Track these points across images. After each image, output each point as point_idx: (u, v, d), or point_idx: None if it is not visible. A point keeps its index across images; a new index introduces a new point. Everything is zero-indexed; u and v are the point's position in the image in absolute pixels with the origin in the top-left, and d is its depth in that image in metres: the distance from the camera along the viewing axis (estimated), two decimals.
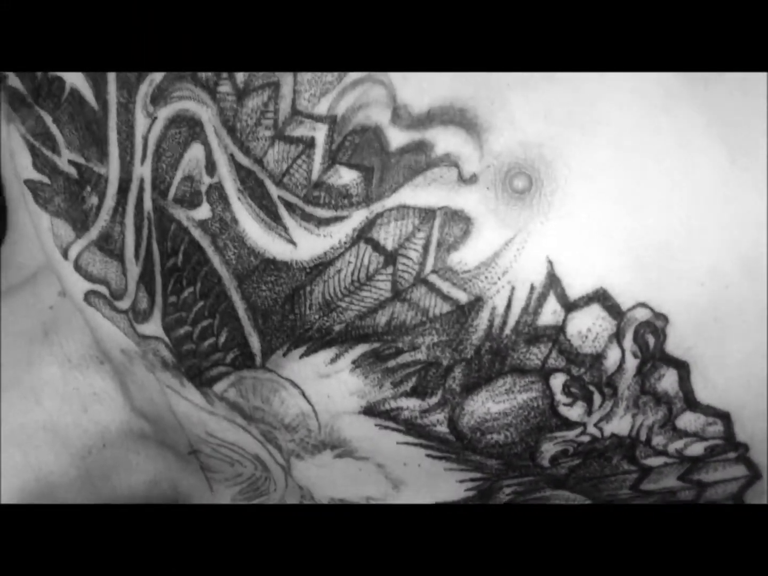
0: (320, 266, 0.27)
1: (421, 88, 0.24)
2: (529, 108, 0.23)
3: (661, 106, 0.23)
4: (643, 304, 0.24)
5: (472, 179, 0.24)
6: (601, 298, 0.24)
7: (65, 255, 0.32)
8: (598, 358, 0.24)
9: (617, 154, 0.24)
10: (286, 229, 0.27)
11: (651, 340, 0.24)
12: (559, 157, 0.23)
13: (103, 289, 0.31)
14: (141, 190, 0.29)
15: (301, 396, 0.29)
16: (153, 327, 0.31)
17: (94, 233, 0.31)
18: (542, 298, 0.24)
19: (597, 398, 0.25)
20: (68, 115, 0.30)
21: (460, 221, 0.24)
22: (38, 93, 0.30)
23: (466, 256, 0.25)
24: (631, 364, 0.25)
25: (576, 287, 0.24)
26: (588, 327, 0.24)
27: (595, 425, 0.26)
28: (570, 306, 0.24)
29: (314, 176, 0.26)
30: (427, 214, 0.25)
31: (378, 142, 0.25)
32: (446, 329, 0.25)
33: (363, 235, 0.26)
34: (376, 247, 0.26)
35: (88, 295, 0.32)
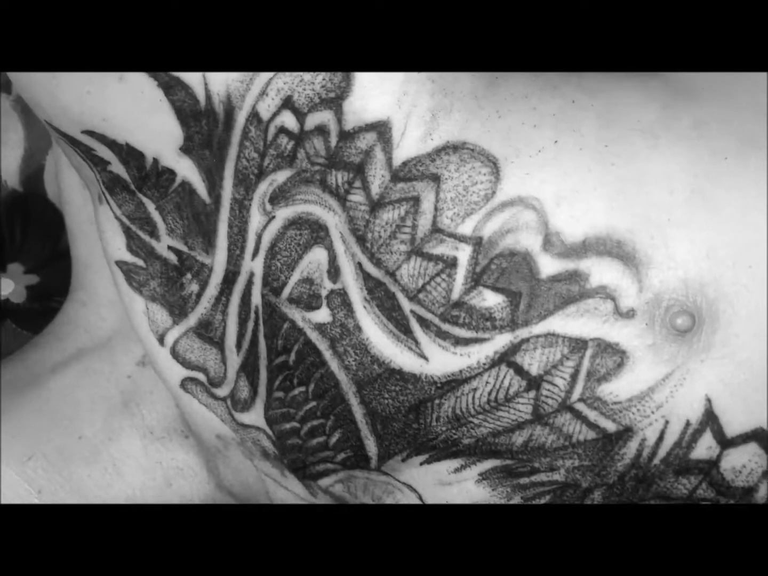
0: (453, 383, 0.26)
1: (575, 216, 0.24)
2: (692, 246, 0.23)
3: None
4: None
5: (630, 314, 0.24)
6: (759, 437, 0.24)
7: (161, 341, 0.31)
8: (749, 491, 0.25)
9: None
10: (417, 342, 0.26)
11: None
12: (723, 297, 0.23)
13: (200, 375, 0.31)
14: (250, 283, 0.29)
15: (419, 500, 0.29)
16: (254, 417, 0.30)
17: (192, 320, 0.30)
18: (697, 434, 0.24)
19: None
20: (174, 204, 0.29)
21: (614, 354, 0.24)
22: (144, 182, 0.29)
23: (618, 388, 0.24)
24: None
25: (734, 425, 0.24)
26: (743, 463, 0.24)
27: None
28: (726, 443, 0.24)
29: (454, 296, 0.26)
30: (578, 344, 0.24)
31: (527, 268, 0.24)
32: (589, 455, 0.25)
33: (505, 359, 0.25)
34: (519, 371, 0.25)
35: (185, 382, 0.31)
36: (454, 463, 0.28)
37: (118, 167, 0.29)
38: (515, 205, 0.24)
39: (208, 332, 0.30)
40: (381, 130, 0.25)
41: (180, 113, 0.27)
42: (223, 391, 0.31)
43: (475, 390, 0.26)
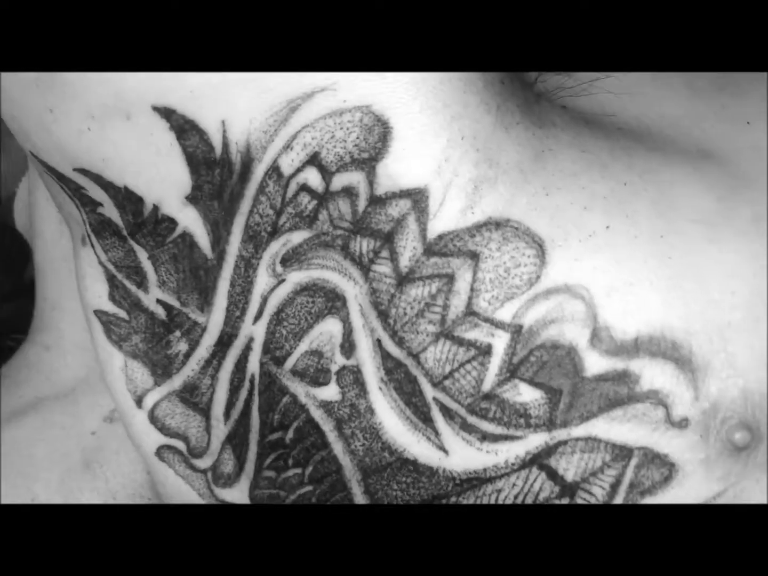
0: (475, 481, 0.23)
1: (628, 310, 0.22)
2: (752, 353, 0.21)
3: None
4: None
5: (683, 423, 0.22)
6: None
7: (139, 402, 0.28)
8: None
9: None
10: (437, 433, 0.24)
11: None
12: None
13: (180, 444, 0.28)
14: (247, 348, 0.26)
15: None
16: (237, 495, 0.27)
17: (177, 382, 0.27)
18: None
19: None
20: (170, 255, 0.26)
21: (662, 465, 0.22)
22: (138, 229, 0.26)
23: (664, 502, 0.22)
24: None
25: None
26: None
27: None
28: None
29: (486, 387, 0.23)
30: (622, 452, 0.22)
31: (571, 364, 0.22)
32: None
33: (538, 461, 0.23)
34: (553, 475, 0.23)
35: (162, 450, 0.28)
36: None
37: (110, 210, 0.26)
38: (561, 293, 0.22)
39: (193, 397, 0.27)
40: (417, 198, 0.23)
41: (191, 160, 0.24)
42: (204, 463, 0.28)
43: (499, 491, 0.24)
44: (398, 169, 0.23)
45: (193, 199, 0.25)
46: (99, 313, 0.29)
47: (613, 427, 0.22)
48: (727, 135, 0.24)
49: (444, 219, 0.23)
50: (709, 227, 0.22)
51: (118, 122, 0.24)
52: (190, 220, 0.25)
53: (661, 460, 0.22)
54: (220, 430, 0.28)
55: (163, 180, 0.25)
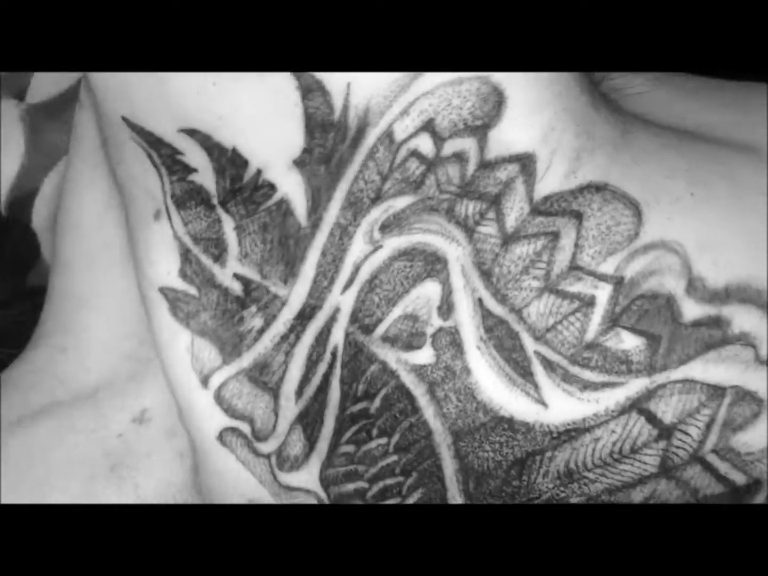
0: (573, 432, 0.25)
1: (717, 263, 0.25)
2: None
3: None
4: None
5: None
6: None
7: (205, 382, 0.28)
8: None
9: None
10: (536, 387, 0.25)
11: None
12: None
13: (245, 426, 0.28)
14: (332, 320, 0.27)
15: None
16: (304, 477, 0.27)
17: (247, 360, 0.28)
18: None
19: None
20: (260, 225, 0.27)
21: (752, 402, 0.24)
22: (233, 196, 0.27)
23: (753, 439, 0.24)
24: None
25: None
26: None
27: None
28: None
29: (588, 337, 0.25)
30: (716, 392, 0.25)
31: (670, 311, 0.25)
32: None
33: (637, 405, 0.25)
34: (652, 419, 0.25)
35: (224, 433, 0.28)
36: None
37: (205, 176, 0.27)
38: (658, 248, 0.25)
39: (262, 376, 0.28)
40: (525, 162, 0.25)
41: (309, 121, 0.25)
42: (268, 447, 0.28)
43: (597, 440, 0.25)
44: (509, 136, 0.25)
45: (300, 162, 0.26)
46: (166, 290, 0.29)
47: (708, 369, 0.25)
48: (763, 132, 0.29)
49: (549, 182, 0.25)
50: None
51: (250, 78, 0.25)
52: (292, 185, 0.26)
53: (751, 396, 0.25)
54: (290, 410, 0.28)
55: (276, 142, 0.26)
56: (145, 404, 0.33)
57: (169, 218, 0.28)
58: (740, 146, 0.28)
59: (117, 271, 0.33)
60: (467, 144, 0.26)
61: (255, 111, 0.26)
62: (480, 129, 0.26)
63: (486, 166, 0.26)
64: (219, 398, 0.28)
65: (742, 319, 0.25)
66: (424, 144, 0.26)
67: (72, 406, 0.33)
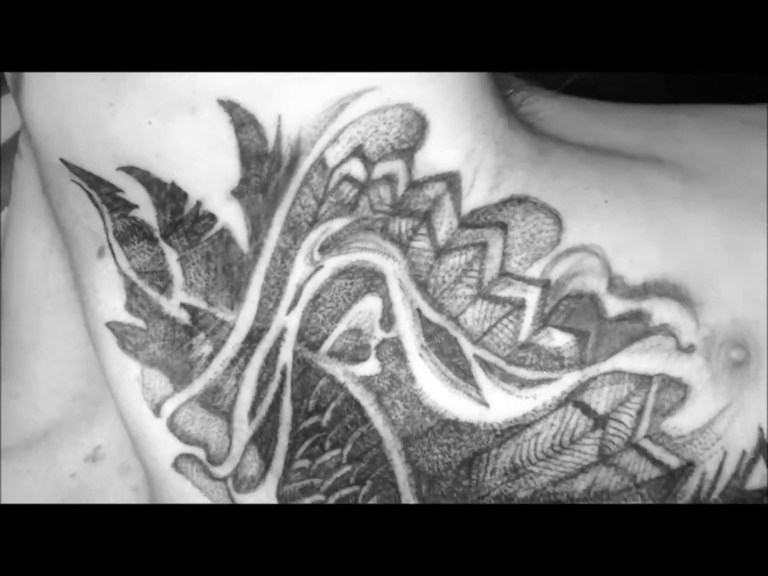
0: (515, 429, 0.26)
1: (634, 262, 0.27)
2: (735, 290, 0.26)
3: None
4: None
5: (690, 349, 0.26)
6: None
7: (157, 411, 0.28)
8: None
9: None
10: (478, 388, 0.27)
11: None
12: (765, 334, 0.26)
13: (199, 452, 0.29)
14: (279, 340, 0.28)
15: None
16: (262, 497, 0.28)
17: (198, 386, 0.29)
18: (752, 464, 0.26)
19: None
20: (203, 254, 0.28)
21: (677, 388, 0.26)
22: (174, 228, 0.28)
23: (682, 422, 0.26)
24: None
25: None
26: None
27: None
28: None
29: (522, 337, 0.27)
30: (644, 380, 0.26)
31: (594, 309, 0.27)
32: (653, 495, 0.26)
33: (572, 398, 0.26)
34: (586, 410, 0.26)
35: (179, 460, 0.29)
36: None
37: (146, 211, 0.28)
38: (579, 251, 0.27)
39: (214, 401, 0.28)
40: (451, 180, 0.27)
41: (244, 153, 0.27)
42: (224, 470, 0.29)
43: (538, 435, 0.27)
44: (434, 157, 0.27)
45: (238, 192, 0.28)
46: (113, 325, 0.29)
47: (634, 359, 0.26)
48: (670, 149, 0.31)
49: (475, 197, 0.27)
50: (681, 201, 0.28)
51: (182, 116, 0.26)
52: (232, 215, 0.28)
53: (676, 383, 0.27)
54: (243, 432, 0.28)
55: (213, 174, 0.27)
56: (97, 442, 0.33)
57: (113, 254, 0.29)
58: (648, 159, 0.30)
59: (63, 314, 0.34)
60: (396, 166, 0.28)
61: (191, 146, 0.27)
62: (406, 152, 0.27)
63: (415, 185, 0.28)
64: (172, 426, 0.29)
65: (662, 311, 0.27)
66: (356, 168, 0.28)
67: (25, 450, 0.33)
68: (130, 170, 0.28)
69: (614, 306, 0.27)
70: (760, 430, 0.27)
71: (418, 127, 0.27)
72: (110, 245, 0.29)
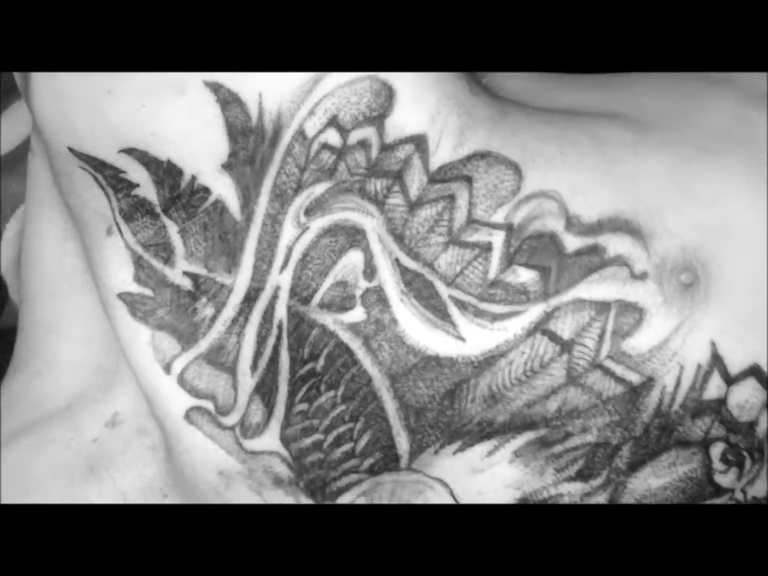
0: (490, 359, 0.29)
1: (588, 202, 0.29)
2: (683, 222, 0.29)
3: None
4: None
5: (643, 276, 0.29)
6: (755, 372, 0.29)
7: (167, 369, 0.32)
8: (753, 425, 0.30)
9: (751, 253, 0.30)
10: (454, 326, 0.29)
11: None
12: (711, 258, 0.29)
13: (208, 404, 0.32)
14: (274, 298, 0.31)
15: (449, 495, 0.31)
16: (267, 441, 0.31)
17: (203, 345, 0.32)
18: (707, 375, 0.29)
19: (748, 463, 0.30)
20: (201, 225, 0.31)
21: (634, 311, 0.29)
22: (173, 203, 0.31)
23: (640, 342, 0.29)
24: None
25: (735, 364, 0.29)
26: (745, 398, 0.29)
27: (742, 489, 0.30)
28: (731, 380, 0.29)
29: (491, 276, 0.30)
30: (603, 307, 0.29)
31: (554, 246, 0.29)
32: (618, 410, 0.29)
33: (540, 327, 0.29)
34: (553, 337, 0.29)
35: (190, 412, 0.32)
36: (488, 446, 0.30)
37: (146, 189, 0.31)
38: (539, 196, 0.30)
39: (219, 357, 0.32)
40: (418, 141, 0.30)
41: (231, 129, 0.30)
42: (231, 419, 0.32)
43: (511, 363, 0.30)
44: (402, 122, 0.30)
45: (228, 165, 0.31)
46: (124, 295, 0.32)
47: (593, 289, 0.29)
48: (625, 106, 0.34)
49: (441, 155, 0.30)
50: (632, 148, 0.31)
51: (173, 97, 0.29)
52: (224, 187, 0.31)
53: (632, 307, 0.30)
54: (247, 383, 0.31)
55: (204, 150, 0.30)
56: (116, 408, 0.36)
57: (120, 232, 0.32)
58: (604, 115, 0.33)
59: (80, 295, 0.37)
60: (368, 132, 0.31)
61: (182, 125, 0.30)
62: (377, 119, 0.30)
63: (386, 148, 0.31)
64: (182, 381, 0.32)
65: (615, 244, 0.30)
66: (332, 137, 0.31)
67: (49, 421, 0.36)
68: (129, 152, 0.31)
69: (572, 242, 0.30)
70: (713, 344, 0.30)
71: (385, 95, 0.30)
72: (117, 223, 0.32)
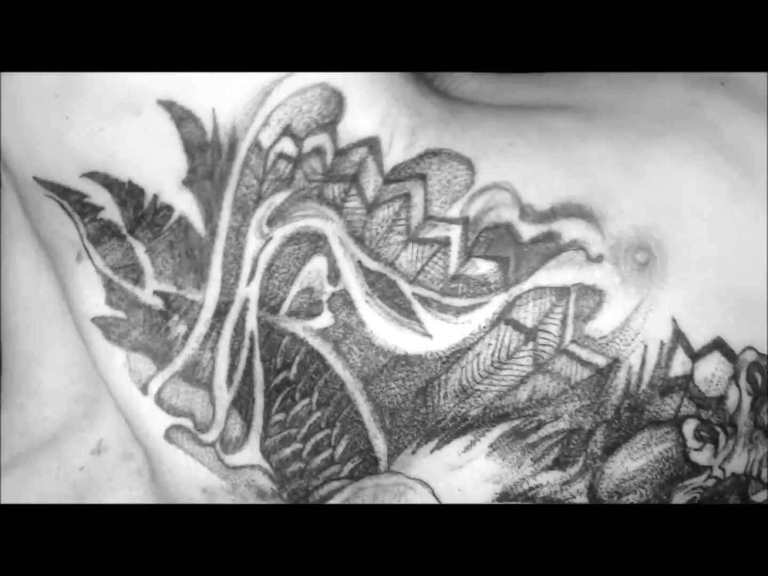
0: (458, 353, 0.30)
1: (540, 190, 0.30)
2: (634, 203, 0.30)
3: (728, 192, 0.31)
4: (750, 347, 0.30)
5: (599, 258, 0.29)
6: (719, 345, 0.29)
7: (144, 390, 0.32)
8: (722, 399, 0.29)
9: (707, 229, 0.30)
10: (420, 323, 0.30)
11: (759, 378, 0.30)
12: (665, 236, 0.30)
13: (187, 422, 0.32)
14: (244, 310, 0.31)
15: (431, 495, 0.31)
16: (247, 455, 0.31)
17: (178, 363, 0.32)
18: (672, 352, 0.29)
19: (722, 439, 0.30)
20: (167, 243, 0.31)
21: (593, 294, 0.29)
22: (138, 223, 0.31)
23: (602, 324, 0.29)
24: (747, 401, 0.30)
25: (698, 338, 0.29)
26: (712, 372, 0.29)
27: (720, 466, 0.30)
28: (695, 356, 0.29)
29: (451, 270, 0.30)
30: (563, 292, 0.29)
31: (510, 236, 0.30)
32: (588, 393, 0.29)
33: (503, 317, 0.29)
34: (517, 326, 0.30)
35: (170, 431, 0.32)
36: (464, 441, 0.30)
37: (111, 211, 0.32)
38: (491, 189, 0.30)
39: (195, 374, 0.32)
40: (371, 144, 0.31)
41: (187, 145, 0.31)
42: (211, 436, 0.32)
43: (478, 355, 0.30)
44: (354, 126, 0.31)
45: (188, 182, 0.31)
46: (97, 319, 0.33)
47: (551, 275, 0.30)
48: (576, 97, 0.35)
49: (394, 155, 0.31)
50: (581, 135, 0.32)
51: (129, 118, 0.30)
52: (186, 204, 0.31)
53: (591, 289, 0.30)
54: (224, 398, 0.32)
55: (163, 168, 0.31)
56: (100, 435, 0.36)
57: (89, 256, 0.33)
58: (556, 107, 0.34)
59: (57, 323, 0.37)
60: (322, 139, 0.31)
61: (140, 145, 0.31)
62: (329, 125, 0.31)
63: (341, 153, 0.31)
64: (159, 401, 0.32)
65: (570, 229, 0.30)
66: (287, 146, 0.31)
67: (35, 453, 0.36)
68: (91, 175, 0.32)
69: (527, 231, 0.30)
70: (674, 321, 0.30)
71: (336, 102, 0.31)
72: (86, 248, 0.33)
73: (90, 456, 0.36)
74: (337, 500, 0.32)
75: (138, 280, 0.33)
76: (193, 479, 0.33)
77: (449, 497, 0.31)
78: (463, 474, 0.31)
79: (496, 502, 0.31)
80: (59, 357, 0.38)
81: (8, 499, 0.36)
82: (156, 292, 0.33)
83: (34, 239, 0.37)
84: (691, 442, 0.30)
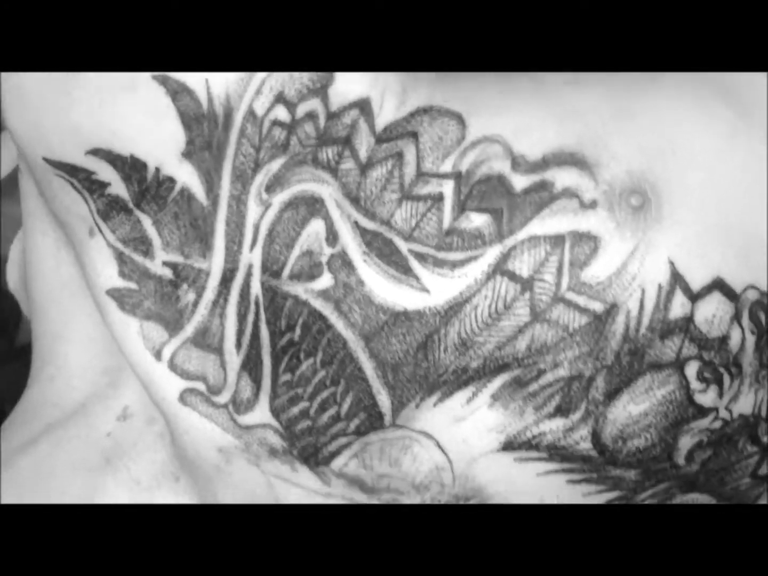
0: (455, 307, 0.30)
1: (532, 140, 0.30)
2: (627, 146, 0.29)
3: (726, 133, 0.30)
4: (752, 286, 0.29)
5: (593, 204, 0.29)
6: (718, 285, 0.29)
7: (158, 356, 0.33)
8: (724, 340, 0.29)
9: (703, 170, 0.30)
10: (417, 279, 0.30)
11: (763, 317, 0.29)
12: (660, 178, 0.29)
13: (200, 385, 0.33)
14: (248, 276, 0.32)
15: (436, 447, 0.31)
16: (258, 415, 0.32)
17: (189, 330, 0.33)
18: (670, 294, 0.29)
19: (726, 379, 0.29)
20: (172, 215, 0.32)
21: (588, 241, 0.29)
22: (143, 196, 0.32)
23: (598, 270, 0.29)
24: (751, 341, 0.29)
25: (697, 279, 0.29)
26: (712, 313, 0.29)
27: (726, 408, 0.30)
28: (694, 297, 0.29)
29: (445, 225, 0.30)
30: (557, 240, 0.29)
31: (503, 187, 0.30)
32: (586, 340, 0.29)
33: (499, 269, 0.30)
34: (513, 276, 0.30)
35: (184, 395, 0.33)
36: (466, 392, 0.31)
37: (117, 186, 0.33)
38: (483, 141, 0.30)
39: (205, 340, 0.33)
40: (362, 105, 0.31)
41: (184, 118, 0.31)
42: (223, 398, 0.33)
43: (476, 307, 0.30)
44: (344, 89, 0.31)
45: (187, 153, 0.32)
46: (112, 291, 0.34)
47: (545, 223, 0.30)
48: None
49: (385, 115, 0.31)
50: (572, 85, 0.32)
51: (126, 95, 0.31)
52: (187, 175, 0.32)
53: (586, 236, 0.30)
54: (234, 362, 0.33)
55: (162, 141, 0.32)
56: (125, 402, 0.38)
57: (101, 231, 0.34)
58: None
59: (79, 300, 0.39)
60: (314, 104, 0.32)
61: (138, 120, 0.32)
62: (320, 90, 0.32)
63: (333, 116, 0.32)
64: (173, 366, 0.34)
65: (562, 177, 0.30)
66: (281, 113, 0.32)
67: (66, 421, 0.38)
68: (95, 152, 0.33)
69: (520, 181, 0.30)
70: (671, 263, 0.30)
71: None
72: (96, 223, 0.34)
73: (116, 422, 0.38)
74: (345, 456, 0.33)
75: (147, 252, 0.34)
76: (209, 440, 0.34)
77: (454, 448, 0.32)
78: (467, 425, 0.31)
79: (501, 452, 0.31)
80: (83, 331, 0.39)
81: (43, 465, 0.38)
82: (165, 263, 0.34)
83: (52, 219, 0.38)
84: (695, 384, 0.30)
